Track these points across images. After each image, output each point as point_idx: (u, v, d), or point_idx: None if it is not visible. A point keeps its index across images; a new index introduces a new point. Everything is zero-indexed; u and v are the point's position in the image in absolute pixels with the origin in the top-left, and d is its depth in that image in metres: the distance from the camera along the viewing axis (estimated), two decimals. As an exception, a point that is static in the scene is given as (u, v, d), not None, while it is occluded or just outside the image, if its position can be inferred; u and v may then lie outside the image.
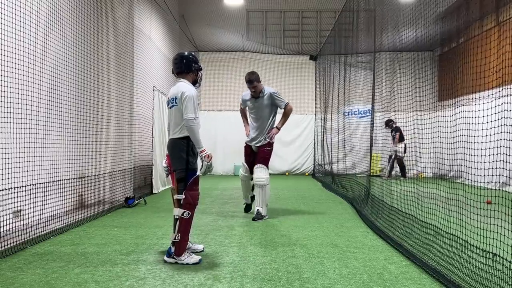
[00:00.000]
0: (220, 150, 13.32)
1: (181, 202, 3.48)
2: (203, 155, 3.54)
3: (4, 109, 4.13)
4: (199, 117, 3.61)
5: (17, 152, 4.27)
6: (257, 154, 5.70)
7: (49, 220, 4.65)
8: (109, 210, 6.01)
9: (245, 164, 5.85)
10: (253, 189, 5.82)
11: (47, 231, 4.39)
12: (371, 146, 6.85)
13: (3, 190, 4.06)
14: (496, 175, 4.25)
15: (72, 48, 5.62)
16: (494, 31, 8.78)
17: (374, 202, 5.82)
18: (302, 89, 14.01)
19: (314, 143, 13.59)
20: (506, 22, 8.77)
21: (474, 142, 4.71)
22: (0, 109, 4.09)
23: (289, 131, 13.08)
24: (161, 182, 8.84)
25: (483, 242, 3.18)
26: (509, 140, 3.48)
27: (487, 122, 4.21)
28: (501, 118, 4.21)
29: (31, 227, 4.27)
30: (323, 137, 11.89)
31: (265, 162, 5.60)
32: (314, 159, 13.57)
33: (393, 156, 11.04)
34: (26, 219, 4.40)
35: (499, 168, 3.95)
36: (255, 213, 5.46)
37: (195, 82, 3.80)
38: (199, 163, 3.62)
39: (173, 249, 3.47)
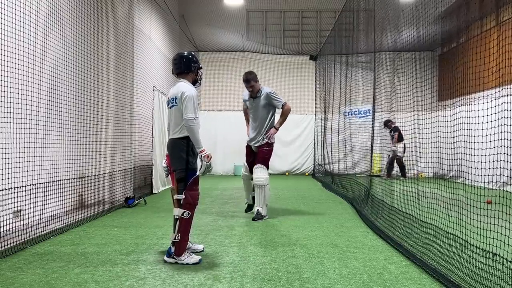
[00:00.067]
0: (220, 150, 13.33)
1: (181, 202, 3.48)
2: (202, 155, 3.54)
3: (4, 109, 4.14)
4: (199, 117, 3.61)
5: (17, 152, 4.27)
6: (256, 154, 5.70)
7: (49, 220, 4.65)
8: (109, 210, 6.01)
9: (246, 164, 5.86)
10: (253, 189, 5.82)
11: (47, 231, 4.39)
12: (372, 146, 6.84)
13: (3, 190, 4.06)
14: (496, 175, 4.26)
15: (72, 48, 5.62)
16: (494, 31, 8.78)
17: (374, 202, 5.82)
18: (302, 89, 14.01)
19: (314, 143, 13.60)
20: (506, 22, 8.77)
21: (474, 142, 4.71)
22: (0, 109, 4.09)
23: (289, 131, 13.10)
24: (161, 182, 8.84)
25: (483, 242, 3.17)
26: (509, 140, 3.48)
27: (487, 122, 4.20)
28: (501, 118, 4.21)
29: (31, 227, 4.27)
30: (323, 137, 11.89)
31: (264, 162, 5.59)
32: (314, 159, 13.57)
33: (392, 156, 11.04)
34: (26, 219, 4.40)
35: (499, 168, 3.95)
36: (255, 213, 5.46)
37: (195, 82, 3.80)
38: (199, 163, 3.62)
39: (173, 249, 3.47)
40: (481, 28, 10.01)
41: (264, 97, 5.61)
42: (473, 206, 3.59)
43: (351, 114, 11.80)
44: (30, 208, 4.45)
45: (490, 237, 3.08)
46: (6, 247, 3.69)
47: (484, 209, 3.52)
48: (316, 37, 13.77)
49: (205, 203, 6.86)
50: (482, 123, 4.31)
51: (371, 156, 7.02)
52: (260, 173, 5.48)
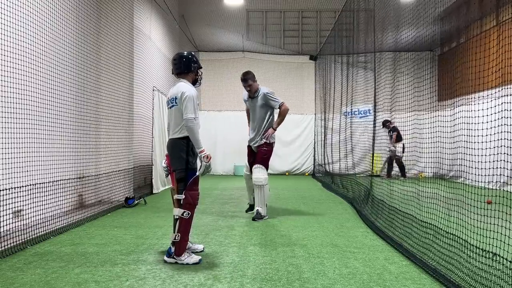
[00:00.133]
0: (220, 150, 13.33)
1: (181, 202, 3.48)
2: (202, 156, 3.54)
3: (4, 109, 4.14)
4: (199, 117, 3.61)
5: (17, 152, 4.27)
6: (256, 155, 5.71)
7: (49, 220, 4.65)
8: (109, 210, 6.01)
9: (247, 164, 5.88)
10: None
11: (47, 231, 4.39)
12: (374, 146, 6.84)
13: (3, 190, 4.06)
14: (496, 174, 4.25)
15: (72, 48, 5.62)
16: (494, 31, 8.78)
17: (374, 202, 5.82)
18: (302, 89, 14.02)
19: (314, 143, 13.60)
20: (506, 22, 8.77)
21: (474, 142, 4.71)
22: (0, 109, 4.09)
23: (289, 131, 13.11)
24: (161, 182, 8.84)
25: (483, 242, 3.18)
26: (509, 140, 3.48)
27: (487, 122, 4.21)
28: (501, 118, 4.21)
29: (31, 227, 4.27)
30: (324, 137, 11.89)
31: (263, 162, 5.58)
32: (314, 159, 13.57)
33: (391, 156, 11.04)
34: (26, 219, 4.40)
35: (499, 168, 3.95)
36: (254, 213, 5.46)
37: (195, 82, 3.80)
38: (199, 163, 3.62)
39: (173, 249, 3.47)
40: (481, 28, 10.01)
41: (261, 98, 5.61)
42: (473, 206, 3.60)
43: (351, 114, 11.80)
44: (30, 208, 4.45)
45: (490, 237, 3.08)
46: (6, 247, 3.69)
47: (484, 209, 3.52)
48: (316, 37, 13.77)
49: (205, 203, 6.87)
50: (482, 123, 4.31)
51: (372, 156, 7.01)
52: (258, 173, 5.48)
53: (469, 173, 4.56)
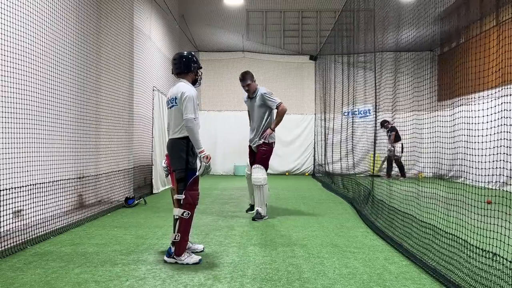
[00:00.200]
0: (220, 150, 13.34)
1: (181, 202, 3.48)
2: (201, 156, 3.54)
3: (4, 109, 4.14)
4: (199, 117, 3.61)
5: (17, 152, 4.27)
6: (255, 155, 5.71)
7: (49, 220, 4.65)
8: (109, 210, 6.01)
9: (248, 164, 5.89)
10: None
11: (47, 231, 4.39)
12: (375, 146, 6.84)
13: (3, 190, 4.06)
14: (496, 174, 4.25)
15: (72, 48, 5.62)
16: (494, 31, 8.78)
17: (374, 202, 5.83)
18: (302, 89, 14.02)
19: (314, 143, 13.60)
20: (506, 22, 8.77)
21: (474, 142, 4.72)
22: (0, 109, 4.09)
23: (289, 131, 13.11)
24: (161, 182, 8.84)
25: (483, 242, 3.18)
26: (509, 140, 3.48)
27: (487, 122, 4.21)
28: (501, 118, 4.21)
29: (31, 227, 4.27)
30: (324, 137, 11.89)
31: (262, 162, 5.58)
32: (314, 159, 13.57)
33: (390, 156, 11.04)
34: (26, 219, 4.40)
35: (499, 168, 3.95)
36: (254, 213, 5.47)
37: (195, 82, 3.80)
38: (198, 163, 3.62)
39: (173, 249, 3.47)
40: (481, 28, 10.01)
41: (259, 98, 5.62)
42: (473, 206, 3.60)
43: (351, 114, 11.80)
44: (30, 208, 4.45)
45: (490, 237, 3.08)
46: (6, 247, 3.69)
47: (484, 209, 3.52)
48: (316, 37, 13.77)
49: (205, 203, 6.87)
50: (482, 123, 4.32)
51: (374, 156, 7.02)
52: (257, 173, 5.49)
53: (469, 173, 4.57)
